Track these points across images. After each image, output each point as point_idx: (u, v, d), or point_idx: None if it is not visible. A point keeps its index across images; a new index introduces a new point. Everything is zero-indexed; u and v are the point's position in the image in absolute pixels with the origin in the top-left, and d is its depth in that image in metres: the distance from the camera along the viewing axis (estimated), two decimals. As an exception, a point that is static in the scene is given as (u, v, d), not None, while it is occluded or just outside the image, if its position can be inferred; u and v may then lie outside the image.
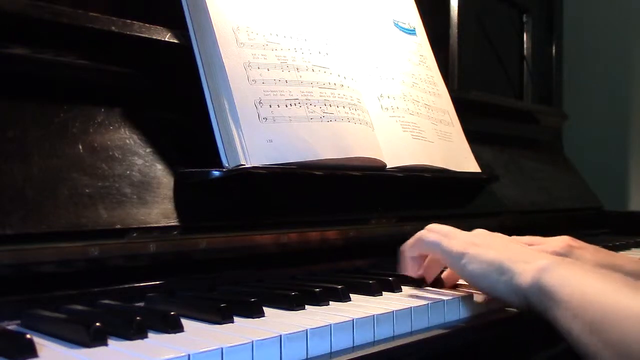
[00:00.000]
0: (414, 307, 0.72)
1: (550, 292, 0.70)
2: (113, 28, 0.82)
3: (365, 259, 1.02)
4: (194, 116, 0.86)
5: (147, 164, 0.80)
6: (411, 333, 0.70)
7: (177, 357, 0.51)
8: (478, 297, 0.81)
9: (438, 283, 0.87)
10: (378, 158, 0.98)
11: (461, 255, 0.79)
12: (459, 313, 0.77)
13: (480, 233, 0.84)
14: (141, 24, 0.85)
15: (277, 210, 0.91)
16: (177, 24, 0.88)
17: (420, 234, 0.87)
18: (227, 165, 0.82)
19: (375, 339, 0.66)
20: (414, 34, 1.22)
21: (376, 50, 1.11)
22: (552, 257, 0.75)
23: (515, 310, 0.80)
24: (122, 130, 0.81)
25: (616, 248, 1.38)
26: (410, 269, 0.88)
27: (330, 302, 0.74)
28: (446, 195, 1.18)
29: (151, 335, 0.57)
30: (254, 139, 0.83)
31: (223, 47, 0.86)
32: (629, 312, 0.63)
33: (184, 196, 0.80)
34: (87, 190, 0.73)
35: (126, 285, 0.75)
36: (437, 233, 0.85)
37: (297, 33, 0.95)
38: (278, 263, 0.91)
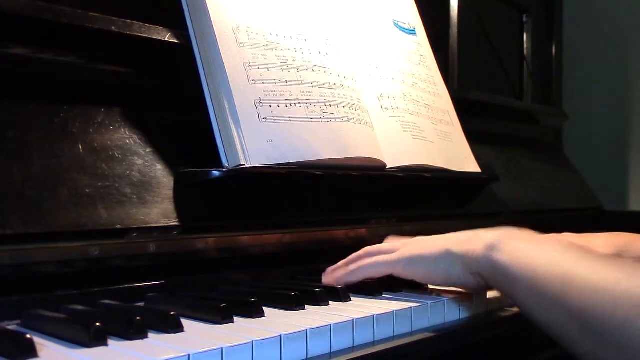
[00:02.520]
0: (414, 307, 0.72)
1: (503, 270, 0.69)
2: (113, 28, 0.82)
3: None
4: (194, 116, 0.86)
5: (147, 164, 0.80)
6: (411, 333, 0.70)
7: (177, 357, 0.51)
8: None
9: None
10: (378, 158, 0.98)
11: (407, 259, 0.78)
12: (459, 313, 0.77)
13: (409, 239, 0.83)
14: (141, 24, 0.85)
15: (276, 211, 0.91)
16: (177, 24, 0.88)
17: (359, 264, 0.83)
18: (227, 165, 0.82)
19: (375, 339, 0.67)
20: (414, 34, 1.22)
21: (376, 50, 1.11)
22: (498, 233, 0.73)
23: (515, 310, 0.80)
24: (122, 130, 0.81)
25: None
26: None
27: (330, 302, 0.74)
28: (446, 195, 1.18)
29: (151, 335, 0.57)
30: (254, 139, 0.83)
31: (223, 47, 0.86)
32: (585, 284, 0.61)
33: (184, 196, 0.80)
34: (87, 190, 0.73)
35: (126, 285, 0.75)
36: (371, 254, 0.83)
37: (297, 33, 0.95)
38: (278, 263, 0.91)
